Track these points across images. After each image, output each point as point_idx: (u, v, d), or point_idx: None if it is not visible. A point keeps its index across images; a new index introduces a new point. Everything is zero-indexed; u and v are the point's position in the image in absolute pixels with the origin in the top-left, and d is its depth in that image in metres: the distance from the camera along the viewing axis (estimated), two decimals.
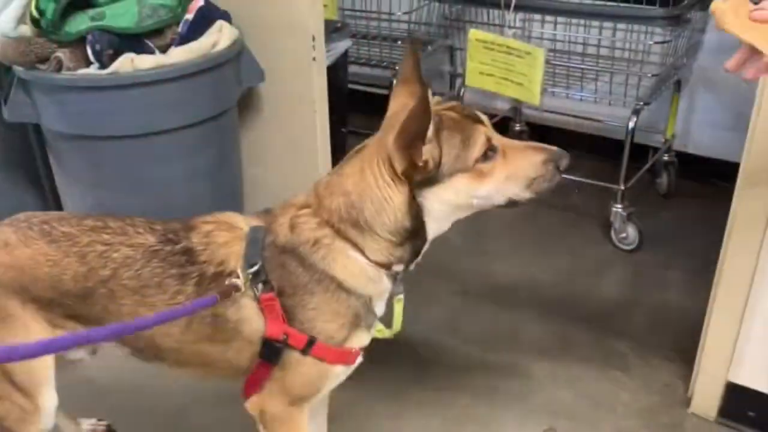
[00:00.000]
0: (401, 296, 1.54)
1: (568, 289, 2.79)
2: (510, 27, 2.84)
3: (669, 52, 2.86)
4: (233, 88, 2.32)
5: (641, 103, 2.86)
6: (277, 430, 1.56)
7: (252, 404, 1.56)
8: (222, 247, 1.47)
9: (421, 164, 1.34)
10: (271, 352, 1.46)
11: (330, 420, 1.89)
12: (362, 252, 1.43)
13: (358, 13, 3.49)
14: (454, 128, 1.36)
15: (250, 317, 1.45)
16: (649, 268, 2.89)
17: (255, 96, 2.53)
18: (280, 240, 1.45)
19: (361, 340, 1.50)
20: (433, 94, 1.39)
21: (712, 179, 3.23)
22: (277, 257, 1.44)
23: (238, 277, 1.41)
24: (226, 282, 1.41)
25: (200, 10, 2.20)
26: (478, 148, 1.36)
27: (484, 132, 1.38)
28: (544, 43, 3.03)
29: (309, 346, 1.44)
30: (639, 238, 2.95)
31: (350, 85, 3.31)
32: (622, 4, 3.10)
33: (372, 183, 1.39)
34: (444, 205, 1.40)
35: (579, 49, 3.10)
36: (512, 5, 2.76)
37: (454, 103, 1.45)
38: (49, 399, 1.55)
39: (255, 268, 1.42)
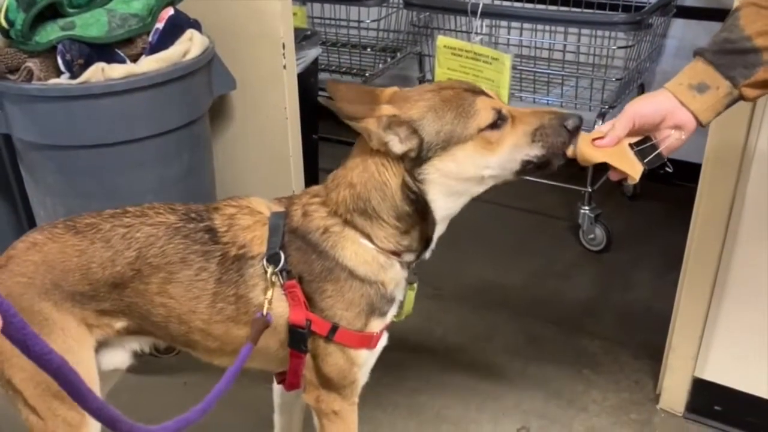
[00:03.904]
0: (415, 284, 1.58)
1: (539, 290, 2.84)
2: (477, 33, 2.87)
3: (632, 56, 2.92)
4: (205, 96, 2.32)
5: (606, 106, 2.92)
6: (331, 424, 1.59)
7: (307, 398, 1.60)
8: (244, 230, 1.50)
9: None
10: (296, 339, 1.48)
11: (305, 424, 1.90)
12: (371, 240, 1.46)
13: (327, 21, 3.52)
14: (442, 107, 1.37)
15: (273, 302, 1.47)
16: (616, 268, 2.95)
17: (227, 104, 2.54)
18: (293, 224, 1.49)
19: (375, 328, 1.52)
20: None
21: (676, 181, 3.29)
22: (293, 242, 1.48)
23: (263, 266, 1.45)
24: (256, 316, 1.45)
25: (170, 19, 2.20)
26: (480, 118, 1.36)
27: (489, 102, 1.38)
28: (511, 49, 3.08)
29: (332, 333, 1.47)
30: (607, 239, 3.01)
31: (321, 93, 3.33)
32: (585, 10, 3.17)
33: (374, 170, 1.42)
34: (447, 178, 1.39)
35: (545, 54, 3.15)
36: (479, 12, 2.80)
37: (454, 81, 1.46)
38: None
39: (280, 260, 1.45)
